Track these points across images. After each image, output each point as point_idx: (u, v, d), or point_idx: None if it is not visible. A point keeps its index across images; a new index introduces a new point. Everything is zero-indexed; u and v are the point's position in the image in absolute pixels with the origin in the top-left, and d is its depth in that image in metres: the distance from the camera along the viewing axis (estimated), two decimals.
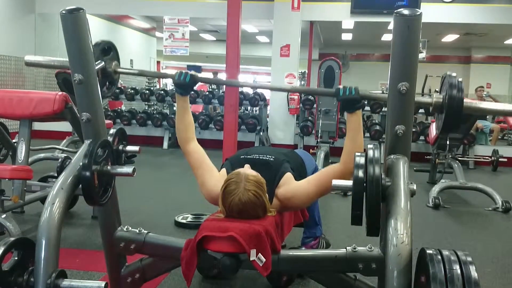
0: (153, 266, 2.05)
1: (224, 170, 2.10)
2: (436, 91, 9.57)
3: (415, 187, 1.59)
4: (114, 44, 2.13)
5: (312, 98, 7.50)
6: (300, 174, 2.20)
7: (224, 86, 4.16)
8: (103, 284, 1.61)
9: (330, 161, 5.43)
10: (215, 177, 2.04)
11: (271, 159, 2.11)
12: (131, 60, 11.28)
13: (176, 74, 1.96)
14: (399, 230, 1.41)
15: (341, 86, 1.83)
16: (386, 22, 8.33)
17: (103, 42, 2.06)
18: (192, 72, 1.98)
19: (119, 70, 2.13)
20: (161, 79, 15.42)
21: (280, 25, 7.63)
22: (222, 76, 11.51)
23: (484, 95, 8.50)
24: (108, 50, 2.09)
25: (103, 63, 2.02)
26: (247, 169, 1.92)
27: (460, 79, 1.75)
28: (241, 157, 2.16)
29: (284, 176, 2.03)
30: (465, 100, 1.71)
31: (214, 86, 10.22)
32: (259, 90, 7.85)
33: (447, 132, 1.82)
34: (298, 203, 2.03)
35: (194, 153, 2.08)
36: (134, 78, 11.47)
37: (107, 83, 2.14)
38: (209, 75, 12.65)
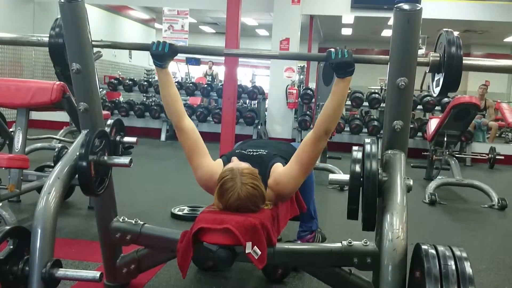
0: (148, 257, 2.06)
1: (220, 160, 2.07)
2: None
3: (411, 183, 1.59)
4: None
5: (311, 92, 7.49)
6: None
7: (223, 81, 4.15)
8: (98, 274, 1.62)
9: (327, 155, 5.44)
10: (210, 165, 1.99)
11: (264, 153, 2.10)
12: (130, 51, 11.23)
13: (154, 44, 1.79)
14: (395, 225, 1.42)
15: (333, 49, 1.73)
16: (386, 18, 8.32)
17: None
18: (171, 42, 1.85)
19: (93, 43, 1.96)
20: None
21: (280, 18, 7.61)
22: (221, 71, 11.49)
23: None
24: None
25: None
26: (238, 163, 1.91)
27: (457, 35, 1.64)
28: (236, 151, 2.15)
29: (273, 166, 2.00)
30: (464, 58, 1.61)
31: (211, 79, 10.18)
32: (258, 84, 7.84)
33: (446, 93, 1.71)
34: (289, 186, 1.96)
35: (189, 131, 1.96)
36: (133, 69, 11.44)
37: None
38: (206, 67, 12.60)
